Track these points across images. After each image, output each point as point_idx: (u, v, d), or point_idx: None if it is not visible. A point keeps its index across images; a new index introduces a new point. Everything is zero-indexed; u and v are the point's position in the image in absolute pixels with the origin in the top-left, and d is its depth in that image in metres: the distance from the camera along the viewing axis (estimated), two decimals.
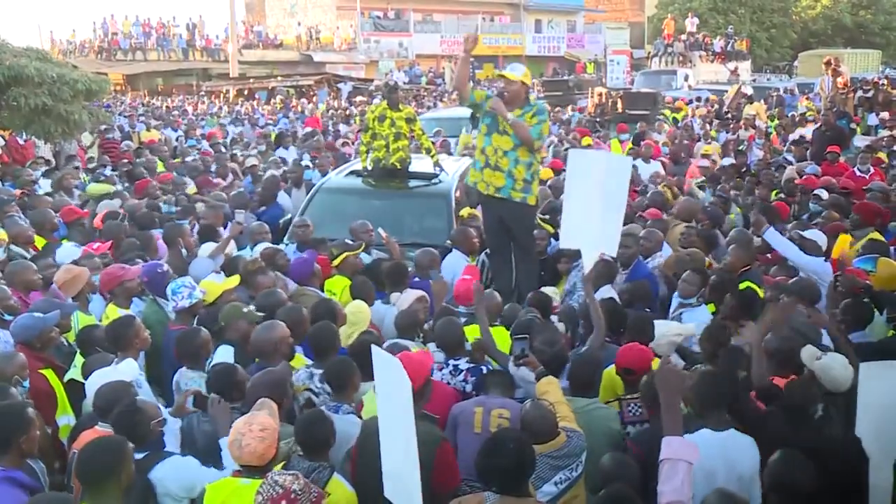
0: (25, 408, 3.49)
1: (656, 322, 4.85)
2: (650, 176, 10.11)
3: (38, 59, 11.77)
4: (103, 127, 13.77)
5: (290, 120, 20.55)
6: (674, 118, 18.55)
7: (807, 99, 21.47)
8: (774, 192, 9.11)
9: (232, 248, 6.43)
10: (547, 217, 7.29)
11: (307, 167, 10.77)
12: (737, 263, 5.78)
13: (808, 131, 14.02)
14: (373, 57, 40.75)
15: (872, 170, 10.09)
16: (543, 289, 5.69)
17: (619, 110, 18.60)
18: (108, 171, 10.38)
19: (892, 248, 6.24)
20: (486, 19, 46.28)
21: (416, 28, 43.69)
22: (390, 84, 8.84)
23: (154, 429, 3.51)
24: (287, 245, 6.80)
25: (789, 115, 18.66)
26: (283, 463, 3.33)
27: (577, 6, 49.30)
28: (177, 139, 15.91)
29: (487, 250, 6.79)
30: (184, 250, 6.35)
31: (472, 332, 4.75)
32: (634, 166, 10.25)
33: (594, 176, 4.73)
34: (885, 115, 17.19)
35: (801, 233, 6.13)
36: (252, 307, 4.84)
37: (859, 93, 18.48)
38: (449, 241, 6.80)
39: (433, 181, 7.92)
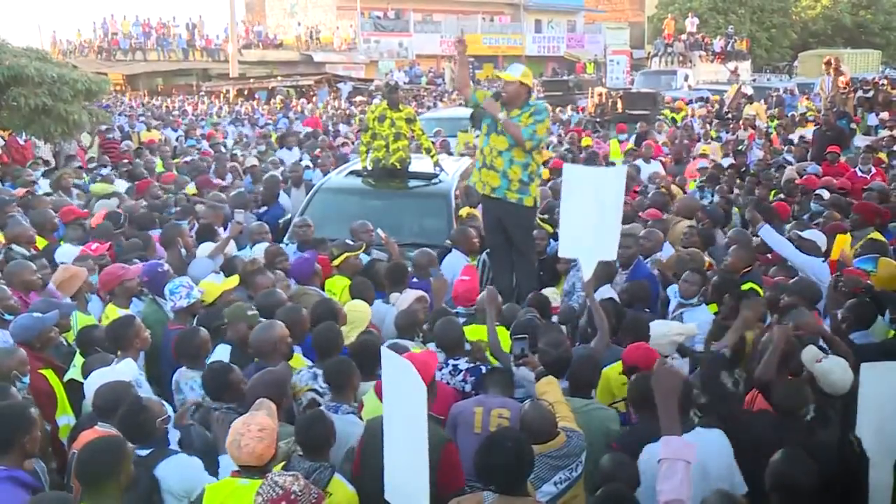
0: (28, 407, 3.50)
1: (658, 322, 4.85)
2: (649, 176, 10.11)
3: (38, 59, 11.77)
4: (104, 127, 13.77)
5: (290, 120, 20.56)
6: (673, 118, 18.55)
7: (807, 99, 21.47)
8: (773, 192, 9.11)
9: (232, 248, 6.43)
10: (546, 217, 7.28)
11: (307, 167, 10.78)
12: (738, 264, 5.77)
13: (808, 132, 14.04)
14: (373, 57, 40.76)
15: (874, 170, 10.09)
16: (543, 290, 5.69)
17: (619, 110, 18.64)
18: (104, 171, 10.37)
19: (891, 248, 6.23)
20: (486, 19, 46.31)
21: (416, 28, 43.69)
22: (390, 84, 8.83)
23: (160, 426, 3.52)
24: (288, 245, 6.80)
25: (789, 115, 18.66)
26: (282, 463, 3.33)
27: (577, 6, 49.30)
28: (177, 139, 15.92)
29: (488, 250, 6.79)
30: (183, 250, 6.35)
31: (470, 333, 4.75)
32: (635, 166, 10.30)
33: (589, 190, 4.75)
34: (884, 115, 17.20)
35: (800, 233, 6.12)
36: (255, 311, 4.83)
37: (859, 93, 18.49)
38: (449, 241, 6.80)
39: (433, 181, 7.92)
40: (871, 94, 18.71)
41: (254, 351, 4.32)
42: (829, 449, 3.47)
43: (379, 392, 3.77)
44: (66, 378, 4.43)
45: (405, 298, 5.21)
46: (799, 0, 46.60)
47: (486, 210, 6.71)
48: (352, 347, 4.37)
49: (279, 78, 33.37)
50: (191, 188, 9.28)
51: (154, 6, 63.22)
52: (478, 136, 8.37)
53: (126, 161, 11.44)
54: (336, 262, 6.04)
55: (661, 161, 11.72)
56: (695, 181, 9.96)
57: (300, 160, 11.82)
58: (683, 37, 33.86)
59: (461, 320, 4.95)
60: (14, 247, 6.25)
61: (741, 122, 16.27)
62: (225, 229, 6.95)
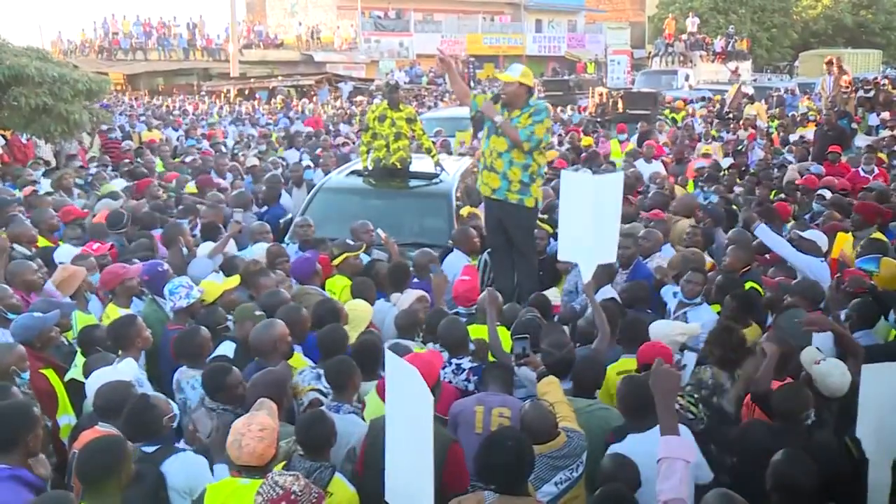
0: (31, 406, 3.52)
1: (660, 322, 4.86)
2: (650, 176, 10.12)
3: (39, 58, 11.77)
4: (105, 127, 13.78)
5: (290, 119, 20.56)
6: (673, 118, 18.55)
7: (808, 99, 21.46)
8: (774, 193, 9.11)
9: (232, 248, 6.44)
10: (546, 216, 7.28)
11: (307, 167, 10.78)
12: (736, 264, 5.79)
13: (809, 132, 14.04)
14: (373, 57, 40.74)
15: (877, 170, 10.09)
16: (545, 292, 5.68)
17: (620, 110, 18.63)
18: (98, 171, 10.37)
19: (893, 247, 6.22)
20: (487, 19, 46.28)
21: (417, 28, 43.66)
22: (391, 84, 8.83)
23: (166, 424, 3.53)
24: (288, 245, 6.80)
25: (790, 115, 18.65)
26: (283, 463, 3.34)
27: (577, 6, 49.26)
28: (177, 139, 15.92)
29: (489, 250, 6.79)
30: (184, 249, 6.36)
31: (471, 333, 4.73)
32: (633, 167, 10.30)
33: (587, 196, 4.77)
34: (885, 115, 17.18)
35: (801, 233, 6.12)
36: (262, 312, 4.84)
37: (860, 93, 18.48)
38: (450, 241, 6.80)
39: (434, 181, 7.92)
40: (871, 93, 18.69)
41: (254, 350, 4.32)
42: (827, 450, 3.46)
43: (381, 392, 3.77)
44: (66, 378, 4.43)
45: (406, 298, 5.22)
46: (799, 0, 46.58)
47: (487, 211, 6.72)
48: (353, 347, 4.37)
49: (280, 78, 33.38)
50: (190, 187, 9.29)
51: (155, 6, 63.19)
52: (479, 138, 8.39)
53: (127, 161, 11.45)
54: (335, 262, 6.05)
55: (662, 161, 11.72)
56: (694, 181, 9.98)
57: (300, 160, 11.84)
58: (684, 37, 33.86)
59: (462, 320, 4.94)
60: (16, 246, 6.25)
61: (742, 122, 16.27)
62: (225, 229, 6.96)
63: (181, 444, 3.70)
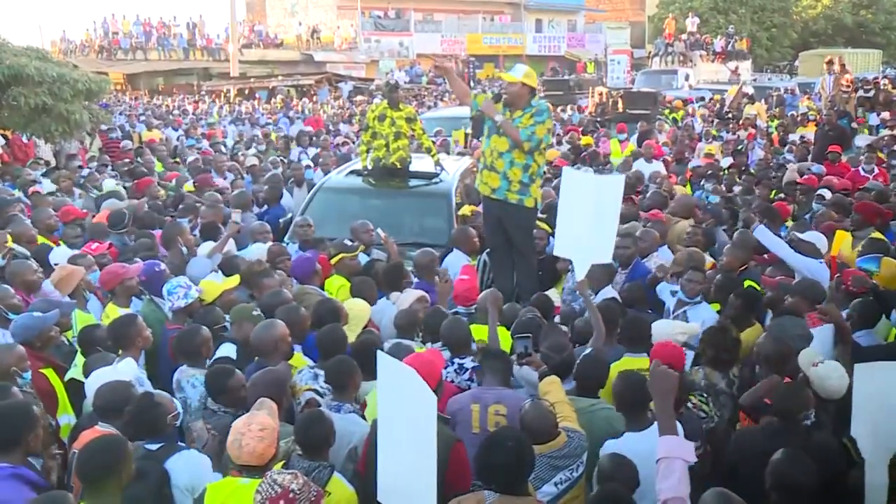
0: (32, 406, 3.53)
1: (660, 321, 4.86)
2: (650, 175, 10.13)
3: (39, 58, 11.79)
4: (105, 127, 13.78)
5: (290, 119, 20.56)
6: (673, 118, 18.55)
7: (808, 98, 21.47)
8: (774, 193, 9.11)
9: (231, 248, 6.43)
10: (545, 216, 7.27)
11: (307, 167, 10.79)
12: (734, 263, 5.81)
13: (809, 133, 14.03)
14: (373, 56, 40.73)
15: (877, 170, 10.09)
16: (547, 292, 5.68)
17: (620, 110, 18.62)
18: (91, 172, 10.36)
19: (893, 247, 6.22)
20: (487, 19, 46.26)
21: (417, 27, 43.65)
22: (391, 83, 8.83)
23: (170, 422, 3.54)
24: (289, 244, 6.80)
25: (790, 114, 18.65)
26: (282, 462, 3.34)
27: (577, 6, 49.25)
28: (177, 139, 15.93)
29: (489, 249, 6.79)
30: (184, 248, 6.36)
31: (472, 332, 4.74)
32: (630, 167, 10.31)
33: (587, 195, 4.78)
34: (885, 114, 17.18)
35: (800, 235, 6.11)
36: (260, 312, 4.83)
37: (860, 92, 18.48)
38: (450, 241, 6.80)
39: (433, 181, 7.92)
40: (871, 93, 18.68)
41: (254, 350, 4.32)
42: (826, 450, 3.46)
43: None
44: (66, 377, 4.44)
45: (406, 298, 5.22)
46: (799, 0, 46.57)
47: (486, 210, 6.71)
48: (353, 347, 4.37)
49: (280, 77, 33.39)
50: (189, 186, 9.29)
51: (155, 6, 63.22)
52: (481, 139, 8.36)
53: (127, 160, 11.45)
54: (332, 262, 6.05)
55: (663, 161, 11.72)
56: (689, 181, 9.99)
57: (300, 160, 11.84)
58: (684, 36, 33.84)
59: (464, 320, 4.93)
60: (15, 246, 6.26)
61: (741, 122, 16.27)
62: (225, 228, 6.96)
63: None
